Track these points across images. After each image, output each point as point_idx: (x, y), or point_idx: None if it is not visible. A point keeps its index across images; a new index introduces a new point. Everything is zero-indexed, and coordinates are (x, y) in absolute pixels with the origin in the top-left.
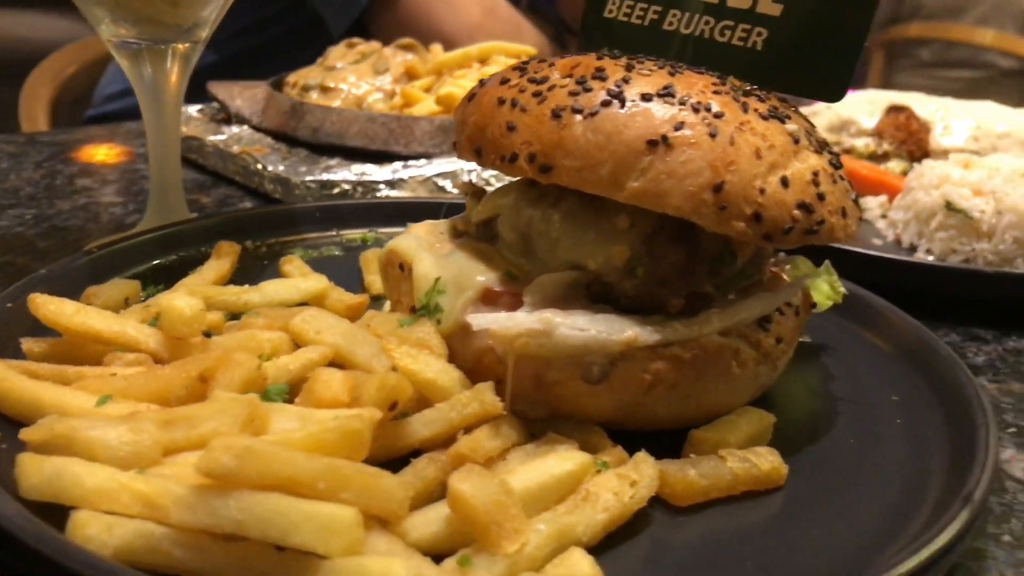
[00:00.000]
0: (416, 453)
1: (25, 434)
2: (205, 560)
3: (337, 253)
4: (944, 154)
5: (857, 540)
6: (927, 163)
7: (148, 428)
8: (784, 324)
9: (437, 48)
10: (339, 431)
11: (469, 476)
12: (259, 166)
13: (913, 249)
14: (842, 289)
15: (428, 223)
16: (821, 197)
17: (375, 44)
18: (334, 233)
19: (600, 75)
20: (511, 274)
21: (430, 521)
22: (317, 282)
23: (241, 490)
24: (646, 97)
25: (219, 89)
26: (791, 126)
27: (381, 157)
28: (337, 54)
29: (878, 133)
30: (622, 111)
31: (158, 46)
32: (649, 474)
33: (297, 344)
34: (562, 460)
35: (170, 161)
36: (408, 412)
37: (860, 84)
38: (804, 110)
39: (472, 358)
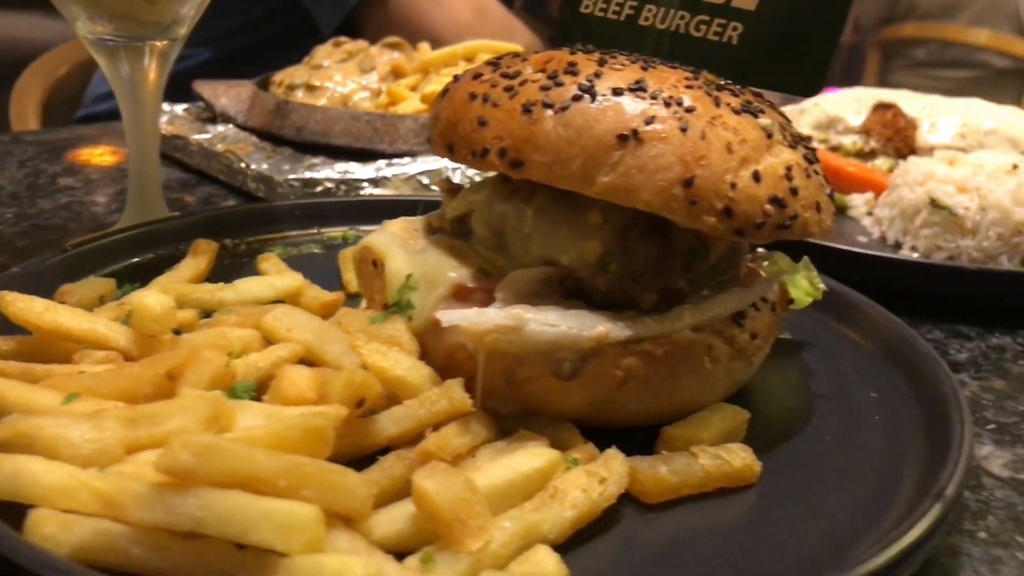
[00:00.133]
0: (386, 451)
1: None
2: (164, 558)
3: (317, 251)
4: (931, 151)
5: (829, 536)
6: (912, 160)
7: (111, 426)
8: (759, 320)
9: (424, 47)
10: (302, 428)
11: (433, 473)
12: (242, 164)
13: (898, 246)
14: (821, 285)
15: (403, 220)
16: (794, 192)
17: (361, 43)
18: (315, 231)
19: (572, 70)
20: (484, 270)
21: (395, 519)
22: (292, 280)
23: (200, 488)
24: (617, 92)
25: (204, 88)
26: (764, 120)
27: (366, 155)
28: (323, 53)
29: (865, 130)
30: (593, 105)
31: (135, 43)
32: (619, 471)
33: (269, 341)
34: (531, 457)
35: (149, 159)
36: (377, 409)
37: (856, 84)
38: (791, 107)
39: (444, 355)
